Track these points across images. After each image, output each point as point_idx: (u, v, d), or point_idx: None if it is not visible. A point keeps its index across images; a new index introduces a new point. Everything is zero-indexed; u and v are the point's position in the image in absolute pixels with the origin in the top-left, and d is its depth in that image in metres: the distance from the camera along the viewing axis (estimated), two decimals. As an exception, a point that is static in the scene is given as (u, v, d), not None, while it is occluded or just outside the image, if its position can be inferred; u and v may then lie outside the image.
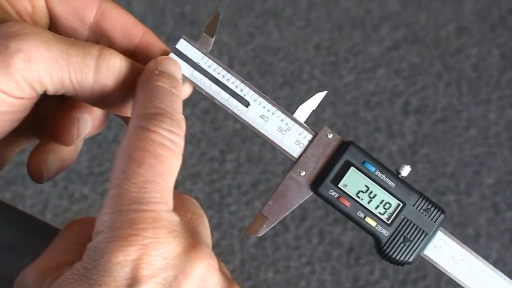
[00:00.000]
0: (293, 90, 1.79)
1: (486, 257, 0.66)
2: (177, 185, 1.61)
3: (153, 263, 0.52)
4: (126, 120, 0.64)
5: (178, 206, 0.58)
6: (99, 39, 0.63)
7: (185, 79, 0.65)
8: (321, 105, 0.66)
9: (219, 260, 0.58)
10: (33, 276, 0.57)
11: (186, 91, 0.65)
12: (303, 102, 0.65)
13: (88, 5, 0.63)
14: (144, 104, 0.58)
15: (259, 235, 0.67)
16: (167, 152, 0.55)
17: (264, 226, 0.65)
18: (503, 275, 0.65)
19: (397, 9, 1.91)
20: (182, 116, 0.59)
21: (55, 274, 0.55)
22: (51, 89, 0.58)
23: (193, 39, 0.65)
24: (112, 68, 0.59)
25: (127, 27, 0.63)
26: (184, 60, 0.65)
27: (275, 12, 1.90)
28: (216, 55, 0.64)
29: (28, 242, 0.91)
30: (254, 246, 1.62)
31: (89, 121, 0.64)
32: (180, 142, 0.57)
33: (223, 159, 1.70)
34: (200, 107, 1.77)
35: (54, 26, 0.63)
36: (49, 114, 0.65)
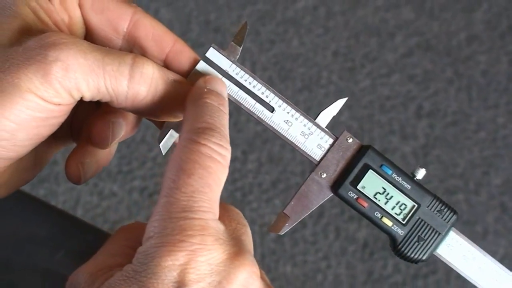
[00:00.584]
0: (311, 94, 1.78)
1: (493, 253, 0.66)
2: None
3: (200, 268, 0.53)
4: (158, 124, 0.65)
5: (224, 216, 0.59)
6: (132, 48, 0.63)
7: None
8: (337, 114, 0.66)
9: (260, 268, 0.58)
10: (85, 275, 0.57)
11: None
12: (323, 107, 0.65)
13: (122, 16, 0.62)
14: (194, 119, 0.59)
15: (282, 233, 0.67)
16: (215, 164, 0.56)
17: (286, 225, 0.65)
18: (510, 272, 0.65)
19: (411, 18, 1.90)
20: None
21: (106, 275, 0.56)
22: (88, 96, 0.58)
23: (222, 48, 0.65)
24: (145, 75, 0.59)
25: (158, 36, 0.63)
26: (213, 68, 0.65)
27: (295, 20, 1.90)
28: (239, 60, 0.65)
29: (61, 236, 0.95)
30: (273, 241, 1.62)
31: (123, 125, 0.64)
32: (227, 155, 0.57)
33: (245, 159, 1.70)
34: None
35: (90, 36, 0.63)
36: (85, 119, 0.65)
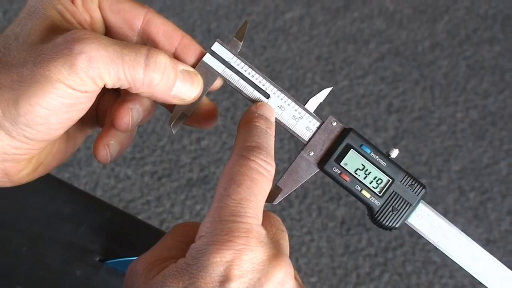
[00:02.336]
0: (297, 92, 1.77)
1: (453, 229, 0.64)
2: (203, 168, 1.59)
3: (243, 265, 0.54)
4: (169, 107, 0.65)
5: (266, 222, 0.59)
6: (146, 42, 0.63)
7: (218, 74, 0.64)
8: (321, 105, 0.65)
9: (295, 270, 0.59)
10: (143, 265, 0.58)
11: (217, 84, 0.65)
12: (312, 96, 0.65)
13: (136, 15, 0.63)
14: (245, 139, 0.60)
15: (275, 203, 0.67)
16: (261, 177, 0.57)
17: (279, 196, 0.64)
18: (471, 239, 0.65)
19: (383, 28, 1.91)
20: None
21: (161, 265, 0.57)
22: (110, 83, 0.58)
23: (225, 42, 0.64)
24: (158, 64, 0.59)
25: (168, 32, 0.63)
26: (217, 59, 0.64)
27: (284, 29, 1.89)
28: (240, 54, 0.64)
29: (83, 213, 0.93)
30: None
31: (141, 111, 0.63)
32: (272, 170, 0.58)
33: None
34: (222, 105, 1.76)
35: (109, 33, 0.63)
36: (108, 106, 0.65)
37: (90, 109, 0.62)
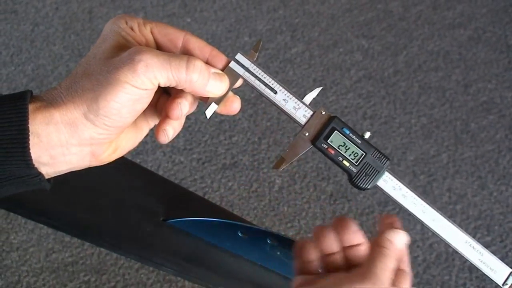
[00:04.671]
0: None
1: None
2: (233, 157, 1.69)
3: None
4: (204, 99, 0.62)
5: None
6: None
7: (239, 76, 0.62)
8: (314, 100, 0.64)
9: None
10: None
11: (239, 83, 0.63)
12: (308, 92, 0.64)
13: (178, 37, 0.61)
14: (371, 255, 0.61)
15: (280, 170, 0.69)
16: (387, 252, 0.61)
17: (283, 164, 0.63)
18: (422, 198, 0.63)
19: (360, 59, 1.94)
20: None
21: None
22: (162, 82, 0.57)
23: (245, 53, 0.63)
24: (196, 67, 0.58)
25: (201, 47, 0.61)
26: (239, 65, 0.62)
27: (290, 60, 1.92)
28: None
29: (150, 186, 0.98)
30: (276, 192, 1.63)
31: (187, 104, 0.61)
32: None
33: (259, 142, 1.73)
34: (247, 112, 1.78)
35: (159, 49, 0.61)
36: (164, 104, 0.63)
37: (151, 105, 0.61)
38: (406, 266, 0.61)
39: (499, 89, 1.91)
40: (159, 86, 0.58)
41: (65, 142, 0.56)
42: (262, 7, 2.05)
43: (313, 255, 0.64)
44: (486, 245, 0.64)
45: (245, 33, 1.98)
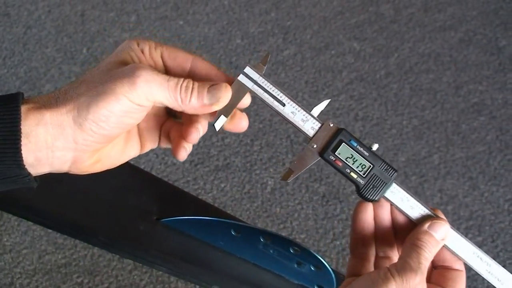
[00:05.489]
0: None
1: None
2: (225, 158, 1.68)
3: None
4: (211, 113, 0.63)
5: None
6: (193, 77, 0.62)
7: (247, 89, 0.62)
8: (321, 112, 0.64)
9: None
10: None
11: (247, 99, 0.63)
12: (316, 105, 0.65)
13: (186, 61, 0.62)
14: (408, 248, 0.61)
15: (289, 181, 0.68)
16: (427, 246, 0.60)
17: (292, 175, 0.63)
18: (431, 211, 0.63)
19: (352, 61, 1.94)
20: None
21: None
22: (158, 101, 0.58)
23: (254, 66, 0.63)
24: (188, 88, 0.59)
25: (208, 70, 0.62)
26: (248, 78, 0.63)
27: (282, 62, 1.92)
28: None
29: (144, 186, 0.98)
30: (268, 193, 1.63)
31: (202, 128, 0.63)
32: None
33: (252, 144, 1.72)
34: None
35: (168, 73, 0.61)
36: (170, 129, 0.64)
37: (155, 128, 0.63)
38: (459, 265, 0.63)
39: (489, 90, 1.92)
40: (166, 110, 0.59)
41: (51, 144, 0.56)
42: (254, 10, 2.05)
43: (369, 216, 0.64)
44: (477, 246, 0.64)
45: (237, 35, 1.98)
